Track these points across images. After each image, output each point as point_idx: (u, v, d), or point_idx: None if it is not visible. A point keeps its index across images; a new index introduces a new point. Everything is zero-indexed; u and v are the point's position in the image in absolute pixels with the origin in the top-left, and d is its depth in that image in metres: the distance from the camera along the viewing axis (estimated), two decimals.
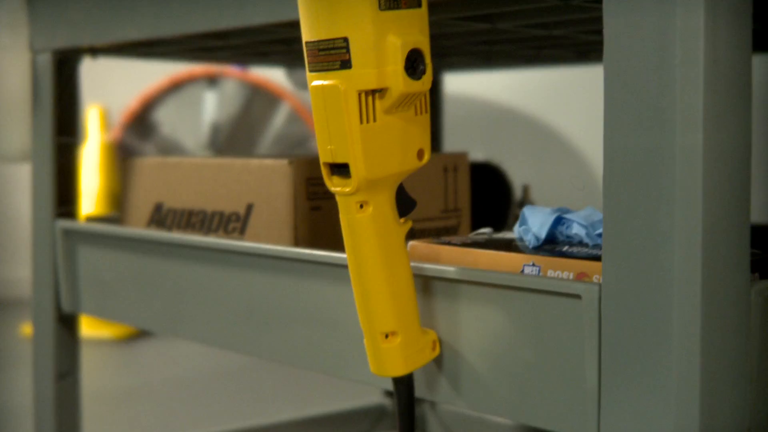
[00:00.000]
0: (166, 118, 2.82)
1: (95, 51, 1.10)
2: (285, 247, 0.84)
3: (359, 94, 0.65)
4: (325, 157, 0.68)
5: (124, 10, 0.99)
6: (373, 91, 0.65)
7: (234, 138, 2.85)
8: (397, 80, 0.65)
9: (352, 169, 0.66)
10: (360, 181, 0.66)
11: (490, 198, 1.17)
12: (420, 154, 0.69)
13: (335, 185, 0.68)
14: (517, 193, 1.22)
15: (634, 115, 0.57)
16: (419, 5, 0.67)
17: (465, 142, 1.71)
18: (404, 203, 0.71)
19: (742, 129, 0.57)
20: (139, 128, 2.80)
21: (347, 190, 0.67)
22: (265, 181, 0.93)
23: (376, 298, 0.68)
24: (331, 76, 0.66)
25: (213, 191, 0.99)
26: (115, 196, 2.62)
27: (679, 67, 0.55)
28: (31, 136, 1.14)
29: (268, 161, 0.93)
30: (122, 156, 2.61)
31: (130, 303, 1.02)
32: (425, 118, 0.69)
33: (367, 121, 0.66)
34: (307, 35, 0.67)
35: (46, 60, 1.11)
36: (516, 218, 1.18)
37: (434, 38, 0.72)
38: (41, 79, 1.12)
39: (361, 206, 0.68)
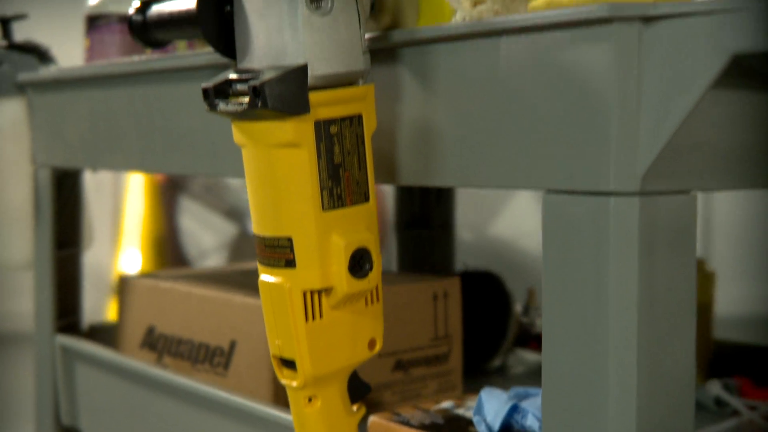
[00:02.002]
0: None
1: None
2: (255, 403, 0.84)
3: (304, 293, 0.65)
4: (273, 351, 0.67)
5: (114, 140, 0.99)
6: (319, 290, 0.65)
7: None
8: (341, 281, 0.64)
9: (299, 366, 0.66)
10: (307, 377, 0.66)
11: (487, 311, 1.15)
12: (371, 344, 0.69)
13: (285, 377, 0.67)
14: (522, 297, 1.21)
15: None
16: (366, 199, 0.66)
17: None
18: (357, 390, 0.70)
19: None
20: None
21: (295, 384, 0.66)
22: (247, 319, 0.93)
23: None
24: (276, 273, 0.65)
25: (200, 322, 0.99)
26: (159, 238, 2.65)
27: None
28: (33, 247, 1.15)
29: (251, 300, 0.93)
30: (166, 196, 2.63)
31: (123, 427, 1.03)
32: (377, 307, 0.68)
33: (313, 319, 0.65)
34: (254, 227, 0.67)
35: (46, 175, 1.12)
36: (516, 332, 1.17)
37: None
38: (42, 192, 1.13)
39: (310, 400, 0.67)
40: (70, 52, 1.29)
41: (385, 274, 1.07)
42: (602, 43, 0.55)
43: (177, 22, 0.73)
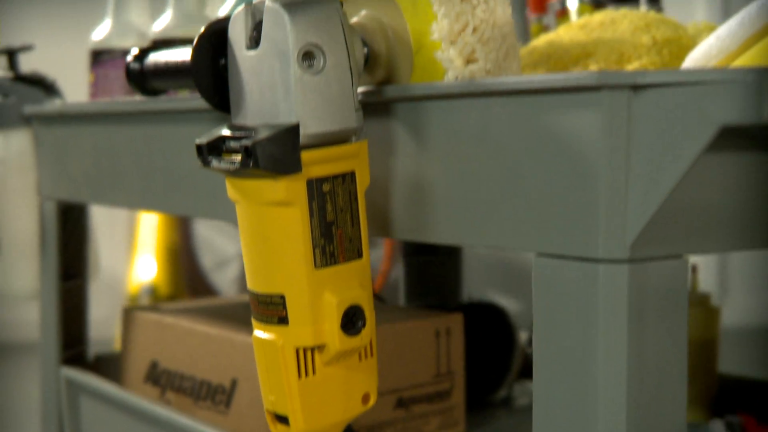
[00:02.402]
0: None
1: None
2: None
3: (297, 351, 0.65)
4: (267, 405, 0.67)
5: (116, 177, 1.00)
6: (312, 347, 0.65)
7: None
8: (333, 338, 0.64)
9: (292, 422, 0.66)
10: None
11: (490, 344, 1.15)
12: (365, 399, 0.68)
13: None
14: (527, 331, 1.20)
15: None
16: (360, 256, 0.66)
17: None
18: None
19: None
20: None
21: None
22: (248, 358, 0.93)
23: None
24: (269, 330, 0.66)
25: (202, 359, 0.99)
26: (174, 245, 2.66)
27: None
28: (39, 277, 1.16)
29: (251, 339, 0.93)
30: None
31: None
32: (371, 362, 0.68)
33: (306, 375, 0.65)
34: (248, 283, 0.67)
35: (51, 207, 1.12)
36: (521, 363, 1.16)
37: None
38: (47, 224, 1.13)
39: None
40: (77, 81, 1.29)
41: (388, 308, 1.07)
42: (591, 109, 0.55)
43: (173, 72, 0.73)
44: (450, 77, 0.63)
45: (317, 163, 0.63)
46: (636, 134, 0.54)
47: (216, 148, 0.65)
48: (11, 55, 1.16)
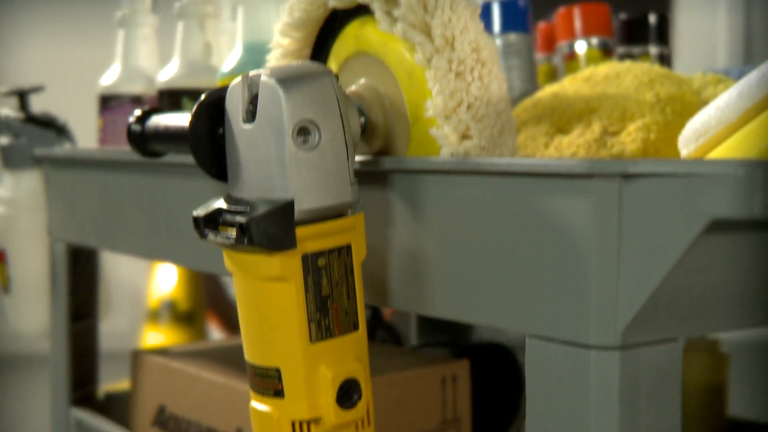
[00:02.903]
0: None
1: None
2: None
3: (293, 423, 0.65)
4: None
5: (122, 225, 1.00)
6: (308, 421, 0.65)
7: None
8: (329, 412, 0.64)
9: None
10: None
11: (498, 386, 1.14)
12: None
13: None
14: None
15: None
16: (356, 328, 0.66)
17: None
18: None
19: None
20: None
21: None
22: None
23: None
24: (266, 402, 0.66)
25: (208, 406, 0.99)
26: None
27: None
28: (49, 317, 1.17)
29: None
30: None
31: None
32: (369, 430, 0.68)
33: None
34: (245, 353, 0.67)
35: (61, 248, 1.13)
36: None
37: None
38: (58, 266, 1.14)
39: None
40: (89, 121, 1.30)
41: (393, 352, 1.07)
42: (582, 196, 0.55)
43: (173, 138, 0.73)
44: (445, 153, 0.63)
45: (312, 238, 0.63)
46: (627, 222, 0.54)
47: (213, 220, 0.65)
48: (22, 95, 1.17)
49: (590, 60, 1.04)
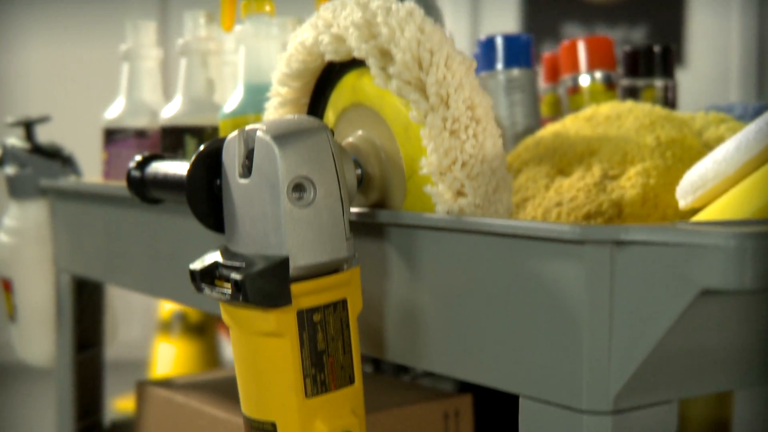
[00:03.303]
0: None
1: None
2: None
3: None
4: None
5: (126, 260, 1.00)
6: None
7: None
8: None
9: None
10: None
11: (501, 423, 1.14)
12: None
13: None
14: None
15: None
16: (352, 382, 0.66)
17: None
18: None
19: None
20: None
21: None
22: None
23: None
24: None
25: None
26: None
27: None
28: (55, 347, 1.17)
29: None
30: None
31: None
32: None
33: None
34: (242, 406, 0.67)
35: (67, 280, 1.14)
36: None
37: None
38: (63, 296, 1.14)
39: None
40: (95, 152, 1.30)
41: (395, 385, 1.07)
42: (575, 261, 0.55)
43: (171, 186, 0.73)
44: (440, 210, 0.63)
45: (307, 294, 0.63)
46: (619, 288, 0.54)
47: (209, 274, 0.65)
48: (28, 126, 1.18)
49: (593, 94, 1.04)
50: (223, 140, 0.67)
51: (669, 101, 1.07)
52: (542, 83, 1.17)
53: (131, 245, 0.99)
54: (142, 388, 1.11)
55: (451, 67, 0.62)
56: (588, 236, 0.53)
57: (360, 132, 0.70)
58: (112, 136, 1.07)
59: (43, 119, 1.19)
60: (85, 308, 1.16)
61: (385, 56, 0.65)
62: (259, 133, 0.63)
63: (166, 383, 1.11)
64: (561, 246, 0.55)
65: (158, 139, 1.01)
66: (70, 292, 1.13)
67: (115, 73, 1.12)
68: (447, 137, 0.62)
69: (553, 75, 1.16)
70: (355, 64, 0.70)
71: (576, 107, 1.05)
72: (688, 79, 3.63)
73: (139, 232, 0.97)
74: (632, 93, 1.10)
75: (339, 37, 0.67)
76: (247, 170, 0.64)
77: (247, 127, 0.65)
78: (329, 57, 0.68)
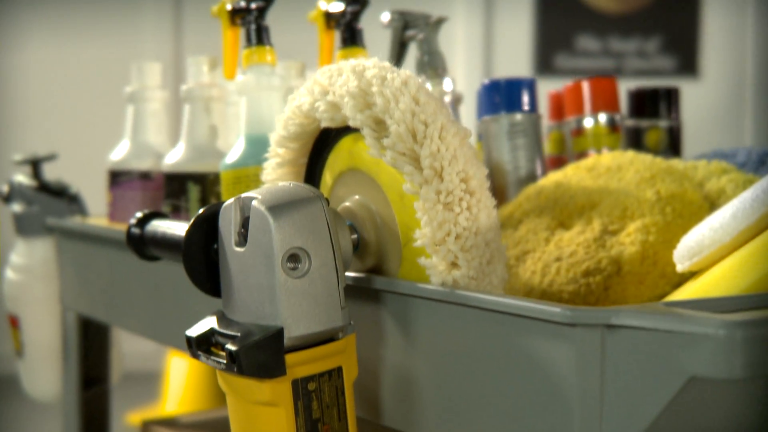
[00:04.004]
0: None
1: None
2: None
3: None
4: None
5: (130, 303, 1.01)
6: None
7: None
8: None
9: None
10: None
11: None
12: None
13: None
14: None
15: None
16: None
17: None
18: None
19: None
20: None
21: None
22: None
23: None
24: None
25: None
26: None
27: None
28: (61, 383, 1.18)
29: None
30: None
31: None
32: None
33: None
34: None
35: (73, 318, 1.14)
36: None
37: None
38: (69, 334, 1.15)
39: None
40: (101, 189, 1.31)
41: None
42: (566, 343, 0.55)
43: (169, 247, 0.74)
44: (434, 282, 0.63)
45: (302, 364, 0.63)
46: (610, 371, 0.54)
47: (205, 341, 0.65)
48: (36, 164, 1.18)
49: (597, 137, 1.04)
50: (220, 205, 0.68)
51: (673, 142, 1.07)
52: (547, 121, 1.16)
53: (135, 289, 0.99)
54: (148, 427, 1.11)
55: (445, 139, 0.62)
56: (579, 319, 0.53)
57: (357, 197, 0.70)
58: (116, 178, 1.07)
59: (50, 157, 1.19)
60: (91, 345, 1.16)
61: (380, 125, 0.65)
62: (254, 203, 0.63)
63: (171, 422, 1.12)
64: (552, 327, 0.55)
65: (162, 182, 1.01)
66: (77, 329, 1.14)
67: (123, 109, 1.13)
68: (441, 210, 0.62)
69: (559, 113, 1.16)
70: (351, 128, 0.70)
71: (580, 150, 1.05)
72: (703, 90, 3.62)
73: (143, 277, 0.98)
74: (636, 134, 1.09)
75: (335, 104, 0.67)
76: (243, 238, 0.65)
77: (243, 195, 0.65)
78: (325, 124, 0.68)
